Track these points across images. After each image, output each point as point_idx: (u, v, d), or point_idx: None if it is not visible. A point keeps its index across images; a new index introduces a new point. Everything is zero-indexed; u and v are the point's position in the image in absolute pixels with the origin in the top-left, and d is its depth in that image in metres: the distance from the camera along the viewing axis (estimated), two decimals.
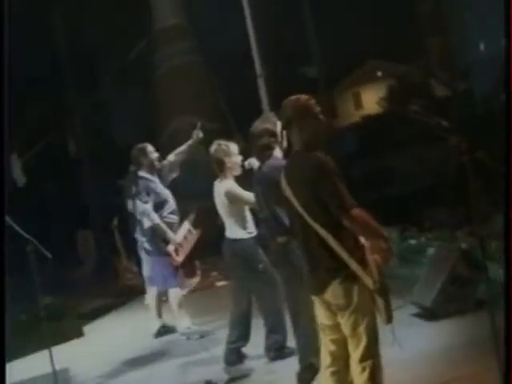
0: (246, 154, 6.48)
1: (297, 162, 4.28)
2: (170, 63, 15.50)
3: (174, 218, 7.95)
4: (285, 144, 4.43)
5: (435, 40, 25.01)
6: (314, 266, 4.26)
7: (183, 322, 7.99)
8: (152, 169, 7.96)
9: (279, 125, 5.59)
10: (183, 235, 7.83)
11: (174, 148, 8.40)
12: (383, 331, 4.26)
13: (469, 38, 23.10)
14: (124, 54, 16.94)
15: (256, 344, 6.55)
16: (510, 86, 4.39)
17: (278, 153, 5.75)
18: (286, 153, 4.51)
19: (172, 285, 7.95)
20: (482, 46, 22.97)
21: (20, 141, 12.72)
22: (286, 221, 5.56)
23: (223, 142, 6.59)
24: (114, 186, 11.06)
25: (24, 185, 13.82)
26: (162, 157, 8.20)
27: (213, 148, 6.56)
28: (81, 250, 14.17)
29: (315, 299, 4.34)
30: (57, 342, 7.08)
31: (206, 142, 9.51)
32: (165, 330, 8.30)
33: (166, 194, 7.95)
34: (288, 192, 4.28)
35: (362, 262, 4.06)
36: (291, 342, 6.20)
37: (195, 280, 8.54)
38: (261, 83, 11.53)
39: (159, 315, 8.39)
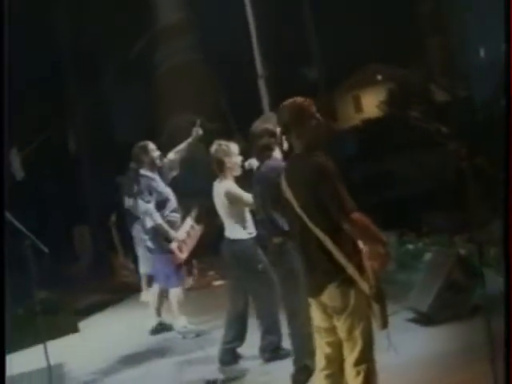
0: (246, 154, 6.48)
1: (297, 164, 4.28)
2: (171, 62, 15.51)
3: (176, 217, 7.93)
4: (285, 146, 4.42)
5: (435, 45, 25.05)
6: (311, 268, 4.27)
7: (180, 320, 7.98)
8: (153, 167, 7.93)
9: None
10: (186, 231, 7.82)
11: (174, 146, 8.39)
12: (378, 336, 4.26)
13: (469, 43, 23.13)
14: (125, 52, 16.95)
15: (251, 344, 6.54)
16: (510, 92, 4.39)
17: (277, 154, 5.76)
18: (286, 155, 4.51)
19: (174, 283, 7.93)
20: (482, 52, 23.01)
21: (20, 135, 12.70)
22: (282, 222, 5.58)
23: (223, 142, 6.58)
24: (112, 183, 11.06)
25: (22, 179, 13.80)
26: (162, 155, 8.20)
27: (213, 148, 6.56)
28: (77, 246, 14.17)
29: (312, 301, 4.35)
30: (52, 337, 7.09)
31: (206, 141, 9.54)
32: (161, 328, 8.31)
33: (168, 192, 7.93)
34: (288, 194, 4.29)
35: (360, 267, 4.06)
36: (286, 344, 6.20)
37: (191, 279, 8.55)
38: (261, 83, 11.52)
39: (158, 313, 8.38)
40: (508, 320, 4.14)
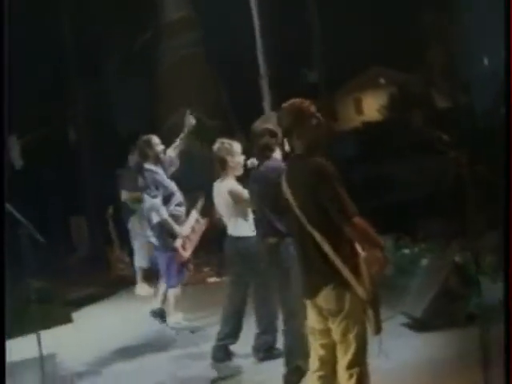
0: (247, 153, 6.47)
1: (297, 165, 4.29)
2: (174, 56, 15.47)
3: (181, 210, 7.91)
4: (287, 148, 4.42)
5: (438, 51, 25.06)
6: (308, 269, 4.28)
7: (175, 316, 7.99)
8: (157, 161, 7.91)
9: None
10: (191, 226, 7.81)
11: (174, 141, 8.39)
12: (371, 341, 4.25)
13: (472, 51, 23.16)
14: (128, 45, 16.93)
15: (245, 343, 6.55)
16: (510, 100, 4.41)
17: (277, 154, 5.76)
18: (286, 155, 4.51)
19: (175, 280, 7.91)
20: (485, 60, 23.03)
21: (20, 123, 12.68)
22: (278, 222, 5.59)
23: (226, 141, 6.57)
24: (111, 175, 11.07)
25: (21, 168, 13.81)
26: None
27: (216, 146, 6.55)
28: (74, 237, 14.18)
29: (307, 303, 4.35)
30: (45, 327, 7.07)
31: (208, 138, 9.56)
32: (160, 313, 8.25)
33: (172, 186, 7.90)
34: (288, 194, 4.29)
35: (356, 271, 4.07)
36: (280, 344, 6.20)
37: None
38: (263, 83, 11.52)
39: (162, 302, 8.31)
40: (508, 327, 4.15)
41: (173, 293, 7.96)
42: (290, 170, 4.39)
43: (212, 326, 7.66)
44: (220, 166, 6.49)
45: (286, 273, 5.61)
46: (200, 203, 7.91)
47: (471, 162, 4.55)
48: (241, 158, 6.48)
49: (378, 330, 4.12)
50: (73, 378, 6.94)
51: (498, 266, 7.55)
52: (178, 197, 7.91)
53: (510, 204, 4.36)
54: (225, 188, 6.43)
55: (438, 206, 10.34)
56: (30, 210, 6.99)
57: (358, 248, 4.16)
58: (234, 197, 6.35)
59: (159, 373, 6.76)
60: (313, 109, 4.34)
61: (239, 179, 6.52)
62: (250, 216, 6.43)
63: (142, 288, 10.29)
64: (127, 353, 7.55)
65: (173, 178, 8.13)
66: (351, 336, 4.13)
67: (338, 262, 4.06)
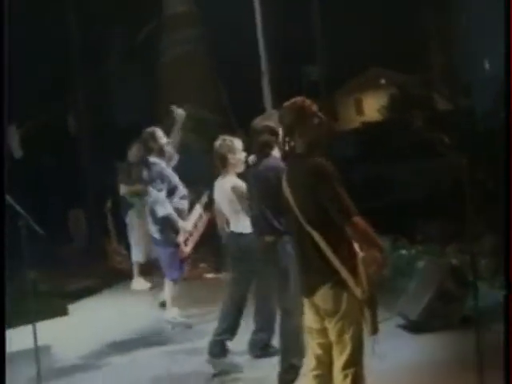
0: (247, 150, 6.47)
1: (297, 165, 4.28)
2: (176, 50, 15.46)
3: (185, 204, 7.89)
4: (288, 147, 4.41)
5: (438, 52, 25.06)
6: (306, 268, 4.27)
7: (171, 311, 7.99)
8: (161, 154, 7.90)
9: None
10: (194, 222, 7.81)
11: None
12: (368, 341, 4.24)
13: (472, 53, 23.14)
14: (130, 37, 16.91)
15: (241, 340, 6.55)
16: (511, 102, 4.42)
17: (276, 153, 5.76)
18: (285, 154, 4.50)
19: (175, 275, 7.90)
20: (486, 64, 23.01)
21: (20, 112, 12.65)
22: (275, 221, 5.59)
23: (228, 138, 6.56)
24: (111, 168, 11.06)
25: (20, 157, 13.80)
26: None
27: (217, 143, 6.54)
28: (72, 229, 14.16)
29: (305, 302, 4.35)
30: (40, 318, 7.08)
31: (207, 133, 9.55)
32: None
33: (176, 179, 7.88)
34: (287, 193, 4.29)
35: (353, 271, 4.06)
36: (275, 342, 6.22)
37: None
38: (265, 80, 11.53)
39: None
40: (507, 331, 4.17)
41: (170, 288, 7.97)
42: (290, 169, 4.39)
43: (208, 322, 7.68)
44: (221, 163, 6.49)
45: (282, 271, 5.61)
46: (204, 198, 7.89)
47: (471, 165, 4.55)
48: (242, 155, 6.47)
49: (374, 330, 4.11)
50: (68, 370, 6.95)
51: (495, 270, 7.59)
52: (182, 190, 7.88)
53: (510, 208, 4.37)
54: (228, 184, 6.42)
55: (436, 208, 10.33)
56: (28, 200, 7.00)
57: (357, 248, 4.15)
58: (238, 193, 6.32)
59: (154, 367, 6.75)
60: (315, 108, 4.33)
61: (240, 176, 6.51)
62: None
63: (138, 282, 10.30)
64: (122, 346, 7.55)
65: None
66: (347, 336, 4.12)
67: (336, 262, 4.05)
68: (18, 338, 6.77)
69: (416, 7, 23.03)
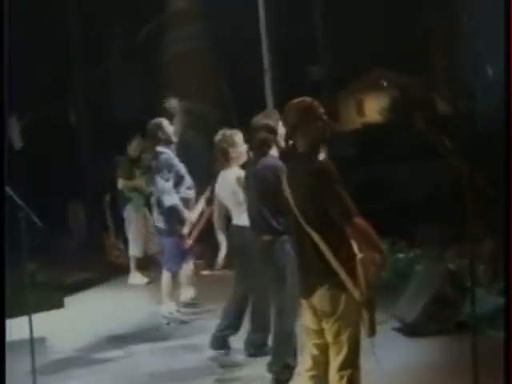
0: (248, 144, 6.47)
1: (298, 165, 4.28)
2: (177, 47, 15.44)
3: (191, 194, 7.90)
4: (288, 145, 4.40)
5: (440, 55, 25.05)
6: (304, 269, 4.27)
7: (168, 306, 7.99)
8: (169, 144, 7.91)
9: (280, 124, 5.62)
10: (198, 214, 7.80)
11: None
12: (364, 344, 4.24)
13: (475, 56, 23.13)
14: (131, 34, 16.90)
15: (240, 337, 6.59)
16: (510, 106, 4.43)
17: (274, 152, 5.76)
18: (285, 153, 4.50)
19: (174, 267, 7.93)
20: (489, 68, 23.01)
21: (20, 104, 12.63)
22: (273, 220, 5.59)
23: (228, 132, 6.57)
24: (110, 162, 11.06)
25: (20, 149, 13.79)
26: None
27: (217, 137, 6.55)
28: (71, 222, 14.16)
29: (303, 302, 4.34)
30: (36, 310, 7.08)
31: (206, 128, 9.54)
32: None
33: (183, 169, 7.89)
34: (287, 193, 4.28)
35: (352, 273, 4.05)
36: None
37: None
38: (267, 79, 11.52)
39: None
40: (508, 336, 4.17)
41: (167, 281, 7.97)
42: (291, 169, 4.39)
43: (204, 319, 7.71)
44: (222, 157, 6.49)
45: (280, 271, 5.61)
46: (207, 193, 7.87)
47: (471, 168, 4.55)
48: (243, 148, 6.46)
49: (372, 332, 4.11)
50: (63, 363, 6.96)
51: (493, 276, 7.59)
52: (188, 180, 7.89)
53: (510, 212, 4.38)
54: (232, 175, 6.40)
55: (435, 211, 10.34)
56: (28, 192, 6.99)
57: (356, 250, 4.15)
58: (242, 184, 6.29)
59: (150, 362, 6.76)
60: (322, 110, 4.31)
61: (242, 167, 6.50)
62: None
63: (135, 277, 10.31)
64: (118, 341, 7.55)
65: None
66: (344, 338, 4.12)
67: (334, 264, 4.04)
68: (14, 329, 6.77)
69: (418, 8, 23.02)
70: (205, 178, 7.99)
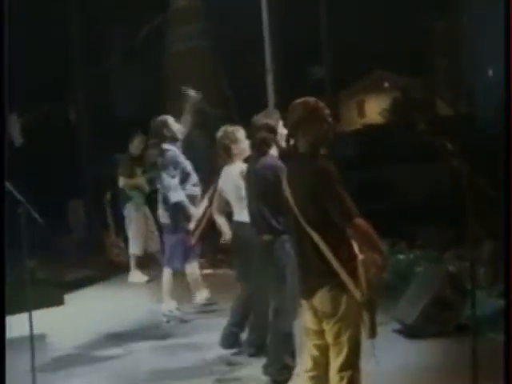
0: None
1: (299, 166, 4.28)
2: (179, 45, 15.43)
3: (197, 191, 7.89)
4: (289, 144, 4.40)
5: (445, 60, 25.10)
6: (305, 270, 4.27)
7: (169, 304, 7.99)
8: (175, 141, 7.91)
9: (281, 124, 5.63)
10: (203, 211, 7.80)
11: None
12: (365, 345, 4.25)
13: (476, 58, 23.17)
14: (132, 33, 16.92)
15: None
16: (510, 108, 4.43)
17: (274, 151, 5.76)
18: (285, 152, 4.49)
19: (177, 264, 7.92)
20: (490, 72, 23.05)
21: (20, 101, 12.64)
22: (273, 220, 5.58)
23: (230, 129, 6.57)
24: (111, 160, 11.05)
25: (21, 145, 13.79)
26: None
27: (219, 134, 6.55)
28: (71, 219, 14.17)
29: (303, 303, 4.34)
30: (36, 307, 7.07)
31: (208, 125, 9.51)
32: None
33: (189, 166, 7.89)
34: (288, 193, 4.28)
35: (353, 273, 4.05)
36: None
37: None
38: (269, 78, 11.51)
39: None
40: (508, 339, 4.17)
41: (167, 280, 7.97)
42: (292, 169, 4.39)
43: (202, 318, 7.71)
44: (225, 153, 6.49)
45: (279, 271, 5.60)
46: (211, 190, 7.86)
47: (472, 170, 4.55)
48: (245, 144, 6.46)
49: (372, 333, 4.11)
50: (63, 360, 6.96)
51: (493, 278, 7.59)
52: (194, 177, 7.90)
53: (510, 214, 4.38)
54: (236, 170, 6.39)
55: (435, 212, 10.34)
56: (28, 188, 7.00)
57: (356, 251, 4.15)
58: (245, 178, 6.26)
59: (149, 360, 6.77)
60: (327, 111, 4.30)
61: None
62: None
63: (135, 275, 10.31)
64: (118, 338, 7.55)
65: None
66: (344, 339, 4.13)
67: (335, 264, 4.05)
68: (15, 326, 6.77)
69: (419, 9, 23.08)
70: (207, 175, 7.99)
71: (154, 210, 9.50)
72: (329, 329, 4.18)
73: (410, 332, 6.78)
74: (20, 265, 6.01)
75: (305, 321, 4.38)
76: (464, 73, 24.45)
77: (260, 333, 6.39)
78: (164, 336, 7.49)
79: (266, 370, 5.79)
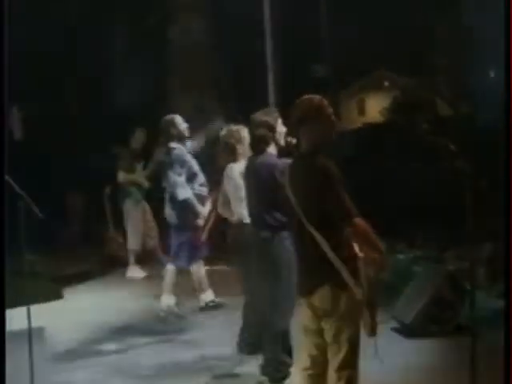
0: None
1: (301, 165, 4.26)
2: (180, 42, 15.44)
3: (204, 191, 7.88)
4: (288, 143, 4.38)
5: (445, 59, 25.08)
6: (305, 268, 4.27)
7: (168, 299, 7.98)
8: (182, 139, 7.91)
9: (280, 122, 5.62)
10: (209, 209, 7.79)
11: None
12: (364, 344, 4.24)
13: (476, 58, 23.16)
14: (134, 27, 16.92)
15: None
16: (511, 108, 4.43)
17: (272, 149, 5.75)
18: (282, 151, 4.47)
19: (184, 262, 7.90)
20: (491, 72, 23.05)
21: (20, 94, 12.62)
22: (271, 218, 5.58)
23: (234, 128, 6.55)
24: (110, 155, 11.04)
25: (20, 140, 13.79)
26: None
27: (223, 133, 6.53)
28: (70, 214, 14.16)
29: (303, 301, 4.32)
30: (35, 301, 7.07)
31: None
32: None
33: (196, 166, 7.88)
34: (289, 192, 4.27)
35: (354, 272, 4.05)
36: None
37: None
38: (270, 76, 11.52)
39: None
40: (508, 338, 4.17)
41: (170, 276, 7.96)
42: (293, 168, 4.36)
43: (200, 315, 7.70)
44: (229, 153, 6.46)
45: (276, 268, 5.58)
46: (215, 193, 7.85)
47: (472, 171, 4.55)
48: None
49: (372, 332, 4.11)
50: (61, 354, 6.96)
51: (493, 278, 7.60)
52: (202, 177, 7.89)
53: (510, 215, 4.38)
54: (237, 170, 6.36)
55: (435, 212, 10.33)
56: (27, 183, 6.99)
57: (357, 249, 4.15)
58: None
59: (147, 356, 6.77)
60: (330, 110, 4.29)
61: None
62: None
63: (133, 270, 10.31)
64: (116, 333, 7.57)
65: None
66: (343, 338, 4.12)
67: (336, 263, 4.04)
68: (13, 319, 6.77)
69: (419, 9, 23.07)
70: (210, 175, 7.98)
71: (154, 206, 9.51)
72: (328, 328, 4.17)
73: (409, 331, 6.80)
74: (19, 259, 6.02)
75: (303, 319, 4.36)
76: (464, 73, 24.42)
77: (252, 331, 6.35)
78: (162, 331, 7.50)
79: (264, 370, 5.77)
